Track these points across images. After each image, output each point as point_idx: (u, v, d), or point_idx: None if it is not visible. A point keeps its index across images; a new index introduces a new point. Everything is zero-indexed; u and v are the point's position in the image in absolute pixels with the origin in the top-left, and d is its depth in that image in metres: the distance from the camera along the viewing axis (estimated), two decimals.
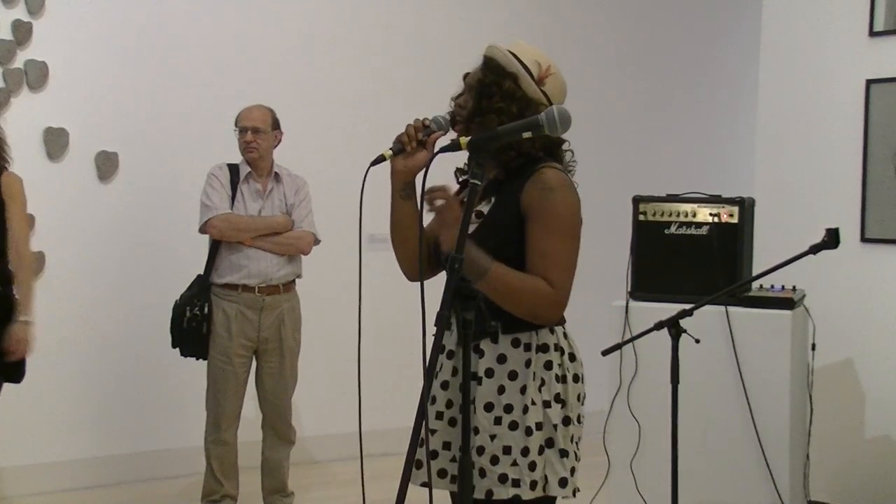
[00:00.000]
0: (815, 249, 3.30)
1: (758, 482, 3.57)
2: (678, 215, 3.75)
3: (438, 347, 1.75)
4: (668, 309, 3.22)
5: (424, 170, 2.16)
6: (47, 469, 4.66)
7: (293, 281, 4.26)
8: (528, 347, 2.21)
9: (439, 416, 2.28)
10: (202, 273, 4.17)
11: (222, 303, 4.10)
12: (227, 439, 4.18)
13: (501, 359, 2.21)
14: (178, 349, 4.15)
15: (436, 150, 2.17)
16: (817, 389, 4.04)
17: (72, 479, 4.70)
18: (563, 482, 2.21)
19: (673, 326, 3.12)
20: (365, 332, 6.03)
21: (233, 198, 4.12)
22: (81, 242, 4.74)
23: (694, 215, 3.73)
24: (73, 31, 4.69)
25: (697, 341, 3.08)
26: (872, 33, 4.21)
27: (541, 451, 2.19)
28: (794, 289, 3.86)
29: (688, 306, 3.18)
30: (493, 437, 2.18)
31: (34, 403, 4.63)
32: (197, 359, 4.17)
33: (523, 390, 2.19)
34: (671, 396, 3.14)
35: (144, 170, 4.87)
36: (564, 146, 2.32)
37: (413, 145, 2.23)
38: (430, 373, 1.74)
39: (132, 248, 4.87)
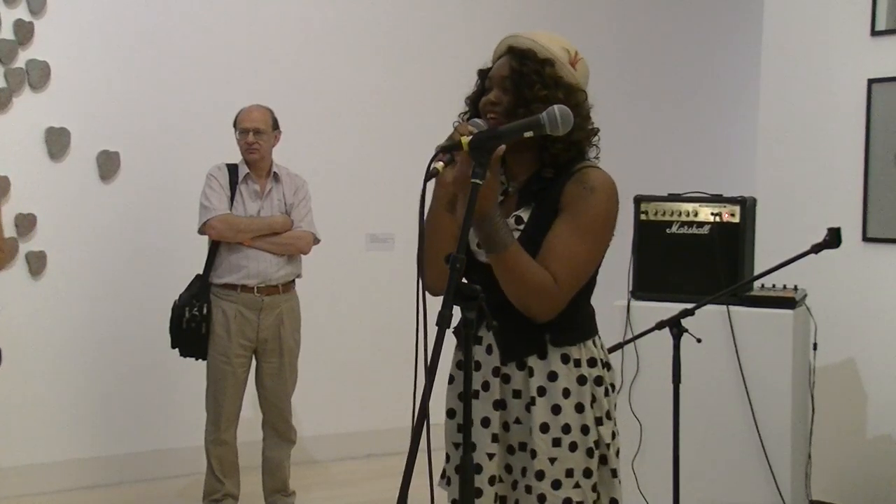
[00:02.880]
0: (816, 249, 3.30)
1: (759, 482, 3.57)
2: (680, 215, 3.74)
3: (440, 347, 1.73)
4: (670, 308, 3.22)
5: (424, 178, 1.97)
6: (48, 469, 4.66)
7: (293, 281, 4.26)
8: (577, 363, 2.12)
9: (459, 428, 2.21)
10: (201, 273, 4.17)
11: (221, 303, 4.10)
12: (227, 439, 4.18)
13: (552, 376, 2.11)
14: (177, 349, 4.16)
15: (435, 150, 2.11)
16: (819, 389, 4.03)
17: (72, 479, 4.71)
18: (613, 502, 2.17)
19: (674, 326, 3.12)
20: (367, 331, 6.07)
21: (232, 198, 4.11)
22: (82, 242, 4.74)
23: (695, 215, 3.73)
24: (74, 31, 4.69)
25: (699, 341, 3.08)
26: (874, 33, 4.21)
27: (597, 471, 2.14)
28: (795, 288, 3.85)
29: (689, 306, 3.18)
30: (552, 461, 2.09)
31: (34, 403, 4.63)
32: (196, 359, 4.17)
33: (579, 408, 2.11)
34: (673, 396, 3.14)
35: (146, 169, 4.87)
36: (594, 139, 2.21)
37: (462, 154, 1.98)
38: (430, 373, 1.73)
39: (133, 248, 4.87)
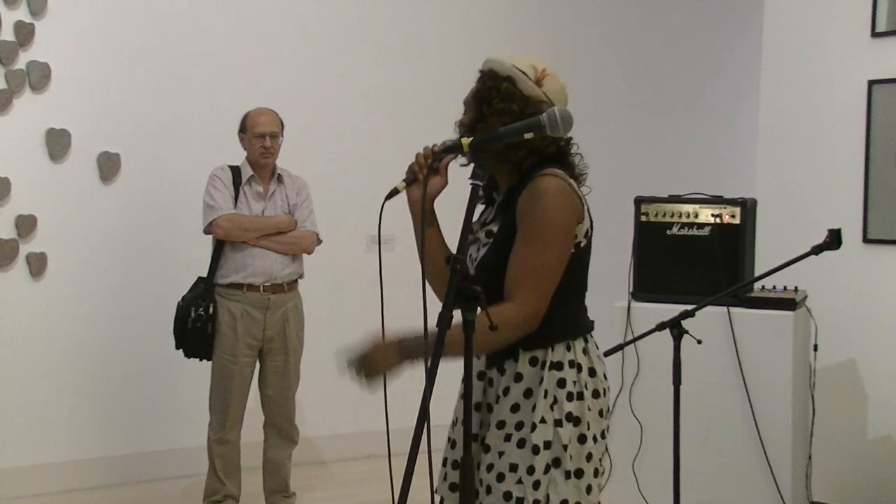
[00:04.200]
0: (817, 250, 3.30)
1: (760, 483, 3.57)
2: (680, 216, 3.75)
3: (440, 348, 1.74)
4: (670, 310, 3.21)
5: (424, 185, 2.14)
6: (49, 470, 4.66)
7: (296, 280, 4.27)
8: (542, 365, 2.17)
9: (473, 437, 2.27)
10: (204, 276, 4.17)
11: (227, 303, 4.10)
12: (231, 439, 4.18)
13: (518, 377, 2.18)
14: (181, 350, 4.15)
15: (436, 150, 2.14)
16: (819, 390, 4.03)
17: (74, 480, 4.71)
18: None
19: (675, 327, 3.12)
20: (367, 332, 6.03)
21: (235, 199, 4.12)
22: (83, 243, 4.74)
23: (696, 216, 3.73)
24: (75, 33, 4.69)
25: (699, 342, 3.08)
26: (874, 34, 4.21)
27: (546, 471, 2.14)
28: (796, 290, 3.85)
29: (690, 307, 3.17)
30: (500, 454, 2.16)
31: (35, 404, 4.64)
32: (200, 360, 4.17)
33: (533, 408, 2.15)
34: (673, 397, 3.14)
35: (146, 171, 4.88)
36: (573, 149, 2.24)
37: (424, 173, 2.14)
38: (431, 374, 1.74)
39: (134, 249, 4.87)
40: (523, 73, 2.18)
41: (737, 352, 3.61)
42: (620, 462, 3.75)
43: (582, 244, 2.18)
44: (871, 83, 4.19)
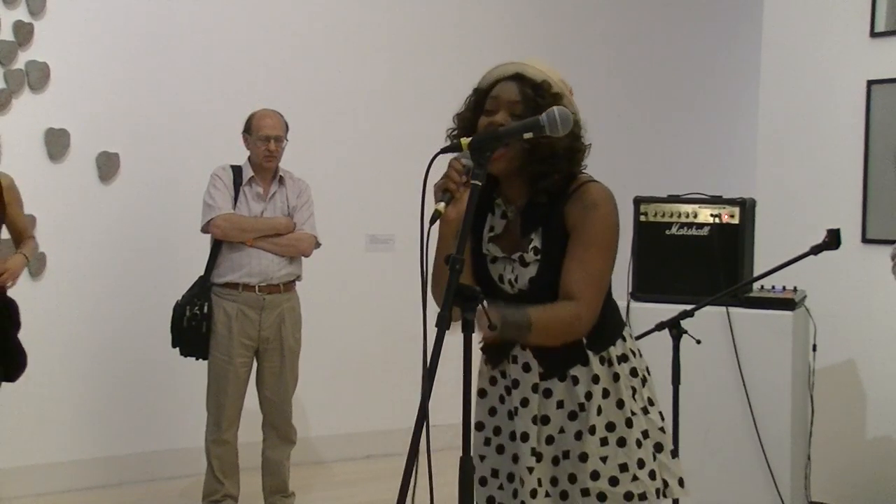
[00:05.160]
0: (816, 250, 3.30)
1: (759, 483, 3.57)
2: (679, 216, 3.75)
3: (439, 348, 1.74)
4: (669, 310, 3.22)
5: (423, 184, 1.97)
6: (48, 470, 4.66)
7: (293, 281, 4.26)
8: (611, 362, 2.20)
9: (487, 441, 2.30)
10: (203, 274, 4.17)
11: (223, 302, 4.11)
12: (228, 439, 4.18)
13: (596, 379, 2.18)
14: (177, 349, 4.16)
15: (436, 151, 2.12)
16: (818, 390, 4.04)
17: (73, 480, 4.71)
18: (681, 482, 2.25)
19: (674, 327, 3.12)
20: (367, 332, 6.05)
21: (235, 199, 4.12)
22: (82, 243, 4.74)
23: (695, 216, 3.74)
24: (74, 33, 4.69)
25: (698, 342, 3.08)
26: (873, 34, 4.21)
27: (654, 458, 2.20)
28: (795, 290, 3.86)
29: (689, 307, 3.18)
30: (604, 459, 2.16)
31: (35, 404, 4.63)
32: (196, 358, 4.17)
33: (620, 404, 2.18)
34: (672, 397, 3.14)
35: (145, 171, 4.87)
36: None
37: (461, 190, 2.00)
38: (430, 374, 1.74)
39: (133, 249, 4.87)
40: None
41: (736, 352, 3.61)
42: None
43: None
44: (871, 83, 4.19)
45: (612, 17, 6.23)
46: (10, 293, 3.76)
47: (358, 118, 5.41)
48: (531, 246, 2.16)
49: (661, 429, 2.25)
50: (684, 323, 3.12)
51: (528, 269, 2.16)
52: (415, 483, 1.77)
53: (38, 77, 4.59)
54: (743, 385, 3.59)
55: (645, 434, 2.20)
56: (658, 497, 2.19)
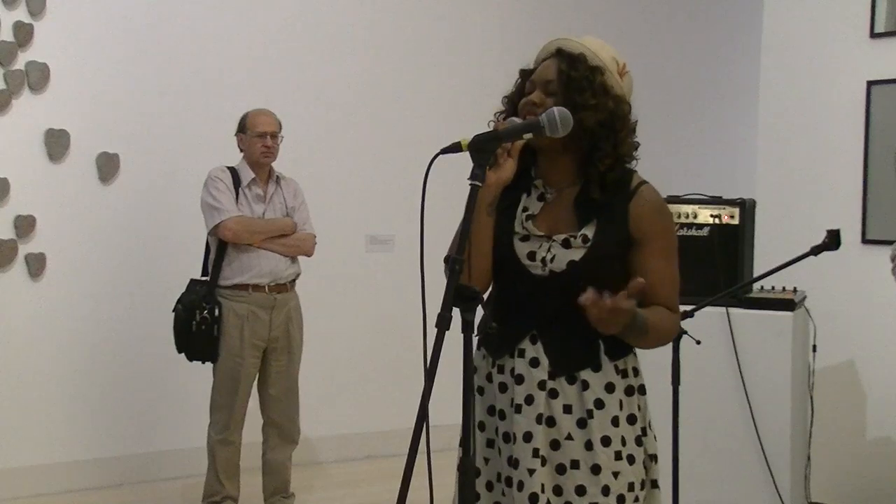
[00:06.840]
0: (816, 251, 3.30)
1: (758, 483, 3.57)
2: (679, 216, 3.74)
3: (439, 348, 1.73)
4: None
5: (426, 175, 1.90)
6: (48, 470, 4.66)
7: (295, 279, 4.28)
8: (625, 374, 2.12)
9: (490, 443, 2.18)
10: (196, 278, 4.15)
11: (233, 304, 4.09)
12: (234, 440, 4.18)
13: (610, 388, 2.09)
14: (183, 354, 4.12)
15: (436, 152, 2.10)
16: (818, 391, 4.04)
17: (72, 481, 4.70)
18: None
19: None
20: (367, 332, 6.04)
21: (235, 201, 4.12)
22: (82, 243, 4.74)
23: (695, 216, 3.73)
24: (74, 33, 4.69)
25: (698, 342, 3.08)
26: (873, 34, 4.22)
27: (643, 486, 2.14)
28: (795, 290, 3.85)
29: (689, 307, 3.17)
30: (616, 475, 2.06)
31: (34, 404, 4.63)
32: (204, 362, 4.15)
33: (631, 420, 2.11)
34: (672, 398, 3.14)
35: (145, 171, 4.87)
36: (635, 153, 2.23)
37: (506, 155, 2.00)
38: (430, 374, 1.73)
39: (132, 250, 4.87)
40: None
41: (736, 352, 3.61)
42: None
43: None
44: (871, 84, 4.19)
45: (611, 18, 6.22)
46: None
47: (358, 118, 5.41)
48: (581, 233, 2.07)
49: (653, 456, 2.16)
50: (684, 323, 3.11)
51: (570, 252, 2.06)
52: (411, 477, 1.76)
53: (37, 77, 4.59)
54: (743, 385, 3.59)
55: (653, 458, 2.14)
56: None
